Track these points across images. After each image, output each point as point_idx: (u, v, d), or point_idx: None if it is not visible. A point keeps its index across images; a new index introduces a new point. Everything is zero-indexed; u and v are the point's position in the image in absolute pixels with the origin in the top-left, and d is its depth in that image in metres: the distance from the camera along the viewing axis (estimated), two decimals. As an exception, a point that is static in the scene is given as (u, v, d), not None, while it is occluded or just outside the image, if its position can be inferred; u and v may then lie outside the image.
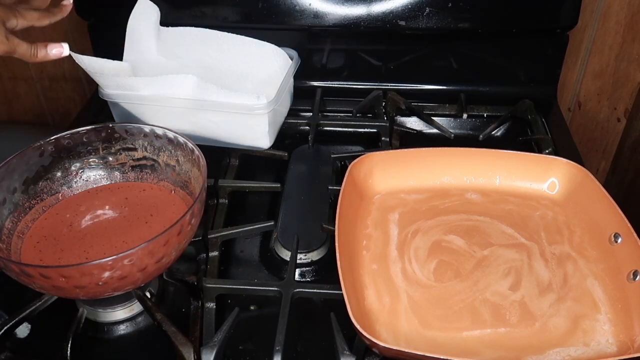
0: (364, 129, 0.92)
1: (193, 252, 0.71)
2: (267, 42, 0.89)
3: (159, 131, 0.72)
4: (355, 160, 0.74)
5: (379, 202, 0.75)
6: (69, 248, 0.64)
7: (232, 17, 0.94)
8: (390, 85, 1.01)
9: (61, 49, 0.55)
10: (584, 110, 1.12)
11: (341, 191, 0.69)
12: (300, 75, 0.90)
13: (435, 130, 0.95)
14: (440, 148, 0.77)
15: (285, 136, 0.89)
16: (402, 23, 0.93)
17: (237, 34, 0.89)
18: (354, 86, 1.03)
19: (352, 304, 0.56)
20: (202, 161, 0.66)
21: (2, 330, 0.60)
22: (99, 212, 0.70)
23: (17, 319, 0.61)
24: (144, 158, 0.74)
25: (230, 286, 0.66)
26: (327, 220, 0.74)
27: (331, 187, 0.78)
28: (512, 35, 0.97)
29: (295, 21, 0.94)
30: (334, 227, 0.65)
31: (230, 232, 0.72)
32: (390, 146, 0.88)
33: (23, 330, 0.63)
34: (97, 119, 0.90)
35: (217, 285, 0.65)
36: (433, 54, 1.00)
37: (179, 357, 0.57)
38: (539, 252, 0.68)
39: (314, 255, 0.71)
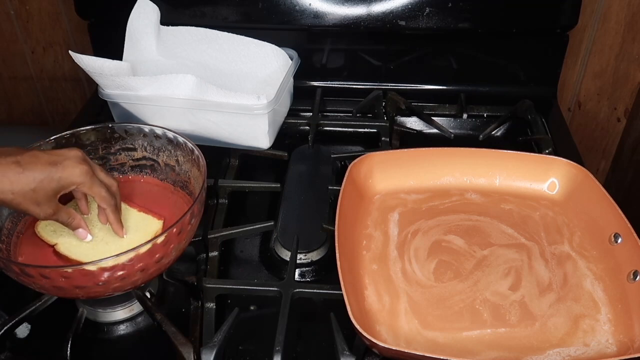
0: (364, 129, 0.92)
1: (193, 252, 0.71)
2: (267, 42, 0.89)
3: (159, 131, 0.72)
4: (355, 160, 0.74)
5: (379, 202, 0.75)
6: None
7: (232, 17, 0.94)
8: (390, 85, 1.01)
9: (85, 236, 0.64)
10: (584, 110, 1.12)
11: (341, 191, 0.69)
12: (300, 75, 0.90)
13: (435, 130, 0.95)
14: (440, 148, 0.77)
15: (285, 136, 0.89)
16: (402, 23, 0.93)
17: (237, 34, 0.89)
18: (354, 86, 1.02)
19: (352, 304, 0.56)
20: (202, 161, 0.66)
21: (2, 330, 0.60)
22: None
23: (17, 319, 0.61)
24: (144, 158, 0.74)
25: (230, 286, 0.66)
26: (327, 220, 0.73)
27: (331, 187, 0.78)
28: (512, 35, 0.97)
29: (295, 21, 0.94)
30: (334, 227, 0.65)
31: (230, 232, 0.72)
32: (390, 146, 0.88)
33: (23, 330, 0.63)
34: (97, 119, 0.90)
35: (217, 285, 0.65)
36: (433, 54, 1.00)
37: (179, 357, 0.57)
38: (539, 252, 0.68)
39: (314, 255, 0.71)
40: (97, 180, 0.60)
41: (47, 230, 0.66)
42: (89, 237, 0.64)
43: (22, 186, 0.55)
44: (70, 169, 0.58)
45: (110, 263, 0.54)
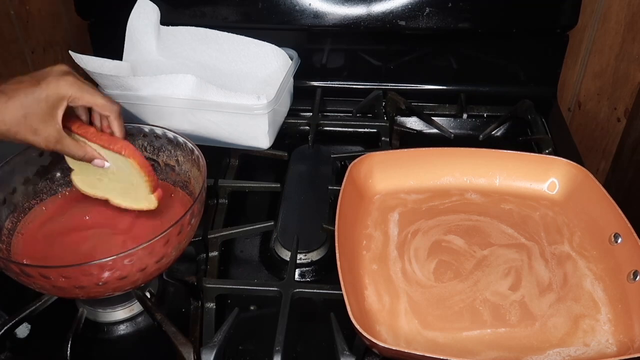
0: (364, 129, 0.92)
1: (193, 252, 0.71)
2: (267, 42, 0.89)
3: (159, 131, 0.72)
4: (355, 160, 0.74)
5: (379, 202, 0.75)
6: (69, 248, 0.64)
7: (232, 17, 0.94)
8: (390, 85, 1.01)
9: (103, 164, 0.62)
10: (584, 110, 1.12)
11: (341, 191, 0.69)
12: (300, 75, 0.90)
13: (435, 130, 0.95)
14: (440, 148, 0.78)
15: (285, 136, 0.89)
16: (402, 23, 0.93)
17: (237, 34, 0.89)
18: (354, 86, 1.03)
19: (352, 304, 0.56)
20: (202, 161, 0.66)
21: (2, 330, 0.60)
22: (99, 211, 0.70)
23: (17, 319, 0.61)
24: (144, 158, 0.74)
25: (230, 286, 0.66)
26: (327, 220, 0.74)
27: (331, 187, 0.78)
28: (512, 35, 0.97)
29: (295, 21, 0.94)
30: (334, 227, 0.65)
31: (230, 232, 0.72)
32: (390, 146, 0.88)
33: (23, 330, 0.63)
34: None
35: (217, 285, 0.65)
36: (433, 54, 1.00)
37: (179, 357, 0.57)
38: (539, 252, 0.68)
39: (314, 255, 0.71)
40: (89, 88, 0.57)
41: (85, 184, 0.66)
42: (107, 164, 0.62)
43: (12, 114, 0.53)
44: (55, 83, 0.55)
45: (109, 262, 0.54)
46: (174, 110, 0.79)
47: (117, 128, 0.61)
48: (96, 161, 0.61)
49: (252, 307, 0.66)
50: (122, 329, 0.65)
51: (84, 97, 0.56)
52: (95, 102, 0.57)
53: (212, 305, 0.64)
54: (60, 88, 0.55)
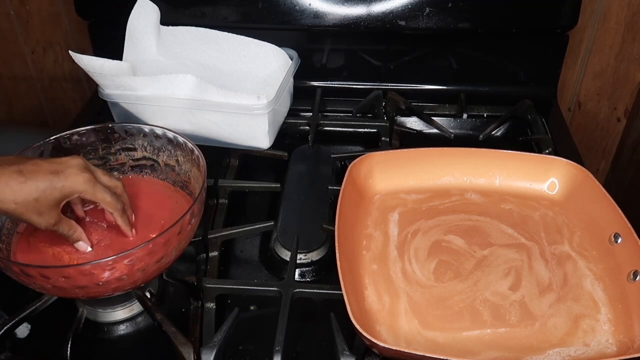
0: (364, 129, 0.92)
1: (193, 252, 0.71)
2: (267, 42, 0.89)
3: (159, 131, 0.72)
4: (355, 160, 0.74)
5: (379, 202, 0.75)
6: (69, 248, 0.64)
7: (232, 17, 0.94)
8: (390, 85, 1.01)
9: (86, 248, 0.64)
10: (584, 110, 1.12)
11: (341, 191, 0.69)
12: (300, 75, 0.90)
13: (435, 130, 0.95)
14: (440, 148, 0.77)
15: (285, 136, 0.89)
16: (402, 23, 0.93)
17: (237, 34, 0.89)
18: (354, 86, 1.02)
19: (352, 304, 0.56)
20: (202, 161, 0.66)
21: (2, 330, 0.60)
22: (99, 212, 0.69)
23: (17, 319, 0.61)
24: (144, 158, 0.74)
25: (230, 286, 0.66)
26: (327, 220, 0.73)
27: (331, 187, 0.78)
28: (512, 35, 0.97)
29: (295, 21, 0.94)
30: (334, 227, 0.65)
31: (230, 232, 0.72)
32: (390, 146, 0.88)
33: (23, 330, 0.63)
34: (97, 119, 0.90)
35: (217, 285, 0.65)
36: (433, 54, 1.00)
37: (179, 357, 0.57)
38: (539, 252, 0.68)
39: (314, 255, 0.71)
40: (100, 186, 0.60)
41: None
42: (89, 249, 0.64)
43: (25, 196, 0.55)
44: (73, 177, 0.57)
45: (109, 262, 0.54)
46: (174, 110, 0.79)
47: (121, 224, 0.64)
48: (80, 243, 0.63)
49: (252, 307, 0.66)
50: (122, 329, 0.65)
51: (96, 194, 0.60)
52: (104, 200, 0.60)
53: (212, 305, 0.64)
54: (77, 184, 0.58)
